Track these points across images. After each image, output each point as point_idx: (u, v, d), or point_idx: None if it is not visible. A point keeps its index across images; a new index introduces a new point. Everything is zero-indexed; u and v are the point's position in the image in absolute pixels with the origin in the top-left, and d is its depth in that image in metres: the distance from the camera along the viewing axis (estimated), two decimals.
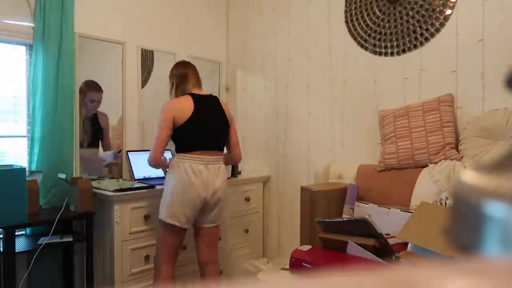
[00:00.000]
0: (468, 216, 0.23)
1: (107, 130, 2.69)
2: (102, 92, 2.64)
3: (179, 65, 2.27)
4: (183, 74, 2.21)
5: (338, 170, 2.49)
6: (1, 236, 2.02)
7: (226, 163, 2.26)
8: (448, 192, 1.85)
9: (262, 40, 3.15)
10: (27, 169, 2.21)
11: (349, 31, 2.59)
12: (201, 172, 2.05)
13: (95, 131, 2.64)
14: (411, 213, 1.78)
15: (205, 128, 2.10)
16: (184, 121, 2.06)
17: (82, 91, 2.54)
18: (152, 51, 2.89)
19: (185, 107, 2.09)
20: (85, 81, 2.57)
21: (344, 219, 1.87)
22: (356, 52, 2.56)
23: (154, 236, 2.34)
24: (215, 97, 2.25)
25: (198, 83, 2.23)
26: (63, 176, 2.23)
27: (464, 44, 2.12)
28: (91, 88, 2.59)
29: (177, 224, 2.04)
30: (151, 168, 2.20)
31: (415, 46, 2.29)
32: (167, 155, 2.35)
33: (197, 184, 2.03)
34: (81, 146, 2.52)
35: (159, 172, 2.66)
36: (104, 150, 2.70)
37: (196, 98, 2.12)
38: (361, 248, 1.65)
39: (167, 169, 2.17)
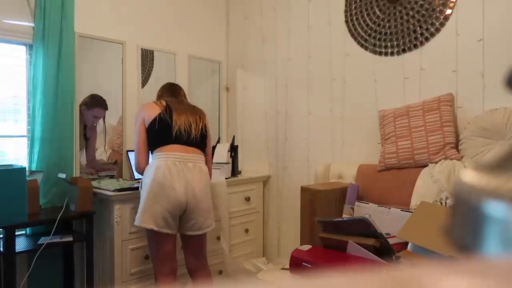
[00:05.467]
0: (468, 216, 0.23)
1: (93, 141, 2.61)
2: (107, 109, 2.62)
3: (167, 87, 2.29)
4: (160, 94, 2.26)
5: (338, 170, 2.49)
6: (1, 236, 2.02)
7: None
8: (448, 192, 1.85)
9: (262, 39, 3.15)
10: (27, 169, 2.21)
11: (349, 31, 2.59)
12: (178, 169, 1.93)
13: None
14: (411, 213, 1.78)
15: (176, 122, 2.01)
16: (152, 118, 2.01)
17: (87, 105, 2.52)
18: (152, 51, 2.89)
19: (155, 107, 2.06)
20: (91, 95, 2.54)
21: (344, 219, 1.87)
22: (356, 52, 2.56)
23: None
24: (194, 106, 2.19)
25: (177, 99, 2.18)
26: (63, 176, 2.23)
27: (464, 44, 2.12)
28: (98, 104, 2.57)
29: (154, 227, 1.90)
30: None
31: (415, 46, 2.29)
32: None
33: (173, 182, 1.90)
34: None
35: None
36: (87, 160, 2.58)
37: (168, 100, 2.10)
38: (361, 247, 1.65)
39: None
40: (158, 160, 1.96)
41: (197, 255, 2.10)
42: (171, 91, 2.24)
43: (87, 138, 2.57)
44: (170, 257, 2.00)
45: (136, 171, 2.12)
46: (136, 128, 2.08)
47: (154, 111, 2.04)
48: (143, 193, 1.95)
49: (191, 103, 2.25)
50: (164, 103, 2.09)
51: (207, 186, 2.03)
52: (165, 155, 1.96)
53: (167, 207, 1.91)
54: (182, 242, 2.12)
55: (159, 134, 2.01)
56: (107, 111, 2.65)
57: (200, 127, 2.09)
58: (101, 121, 2.63)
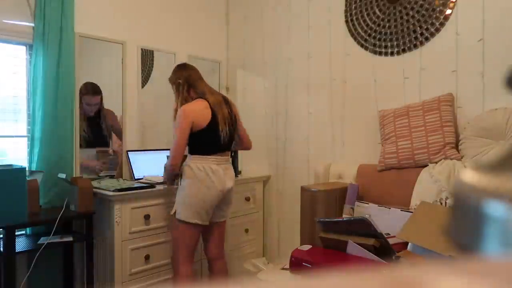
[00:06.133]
0: (468, 216, 0.23)
1: (116, 127, 2.70)
2: (100, 94, 2.61)
3: (181, 67, 2.33)
4: (189, 75, 2.26)
5: (338, 170, 2.49)
6: (1, 236, 2.02)
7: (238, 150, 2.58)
8: (448, 192, 1.85)
9: (262, 39, 3.15)
10: (27, 169, 2.21)
11: (349, 31, 2.59)
12: (218, 171, 2.15)
13: (100, 130, 2.63)
14: (411, 213, 1.78)
15: (221, 133, 2.17)
16: (202, 127, 2.13)
17: (81, 93, 2.54)
18: (152, 51, 2.89)
19: (204, 112, 2.15)
20: (84, 84, 2.54)
21: (344, 219, 1.87)
22: (356, 52, 2.56)
23: (154, 236, 2.35)
24: (225, 98, 2.31)
25: (205, 83, 2.30)
26: (63, 176, 2.23)
27: (464, 44, 2.12)
28: (87, 92, 2.56)
29: (200, 222, 2.12)
30: (158, 167, 2.30)
31: (415, 46, 2.29)
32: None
33: (216, 183, 2.14)
34: (80, 146, 2.51)
35: (159, 172, 2.67)
36: (114, 148, 2.70)
37: (212, 103, 2.18)
38: (361, 247, 1.65)
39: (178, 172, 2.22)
40: (201, 162, 2.14)
41: (220, 242, 2.33)
42: (195, 79, 2.26)
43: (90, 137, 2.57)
44: (194, 250, 2.21)
45: (169, 170, 2.19)
46: (180, 129, 2.10)
47: (204, 118, 2.14)
48: (189, 191, 2.11)
49: (217, 94, 2.30)
50: (208, 106, 2.16)
51: (234, 179, 2.29)
52: (206, 159, 2.15)
53: (210, 203, 2.14)
54: (206, 232, 2.28)
55: (206, 142, 2.16)
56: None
57: (233, 124, 2.28)
58: (107, 119, 2.64)
